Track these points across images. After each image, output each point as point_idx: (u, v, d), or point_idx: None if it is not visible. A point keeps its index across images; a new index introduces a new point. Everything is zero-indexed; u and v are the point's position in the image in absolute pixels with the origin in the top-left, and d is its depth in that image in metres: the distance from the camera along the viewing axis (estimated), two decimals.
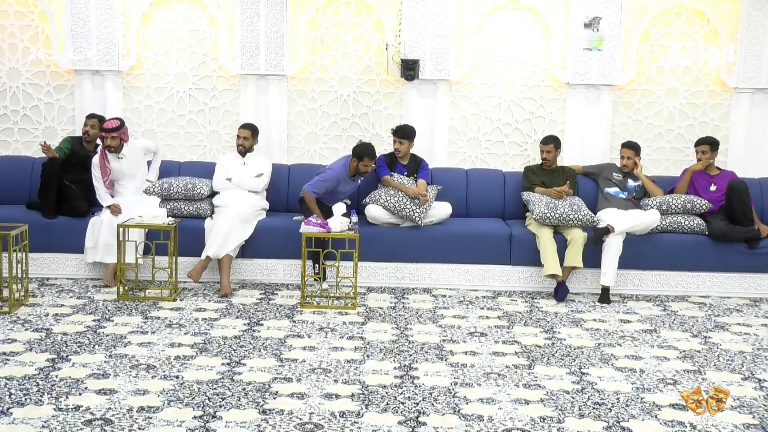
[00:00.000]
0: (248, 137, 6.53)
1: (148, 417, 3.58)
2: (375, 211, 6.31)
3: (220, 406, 3.73)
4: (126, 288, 5.77)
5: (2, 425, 3.45)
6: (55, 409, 3.62)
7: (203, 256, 5.93)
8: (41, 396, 3.79)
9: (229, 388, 3.97)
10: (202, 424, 3.53)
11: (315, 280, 5.96)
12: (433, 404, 3.84)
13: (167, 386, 3.97)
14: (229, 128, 7.28)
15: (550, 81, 7.31)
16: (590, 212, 6.24)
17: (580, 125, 7.28)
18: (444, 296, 6.08)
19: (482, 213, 6.83)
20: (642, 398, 4.02)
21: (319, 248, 5.78)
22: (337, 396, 3.91)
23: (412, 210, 6.25)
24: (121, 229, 5.71)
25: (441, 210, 6.47)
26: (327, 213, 6.01)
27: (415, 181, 6.46)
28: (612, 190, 6.56)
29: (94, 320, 5.14)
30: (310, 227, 5.67)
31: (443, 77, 7.16)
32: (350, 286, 5.90)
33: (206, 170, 6.69)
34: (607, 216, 6.28)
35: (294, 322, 5.26)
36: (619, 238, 6.08)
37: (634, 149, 6.58)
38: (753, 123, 7.31)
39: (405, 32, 7.09)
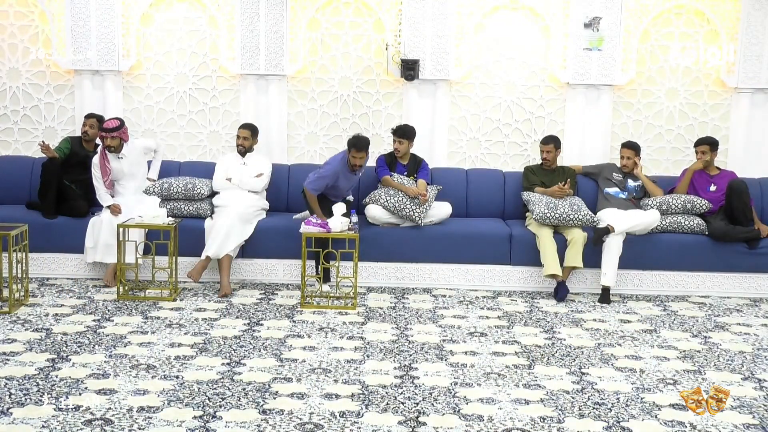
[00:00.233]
0: (248, 137, 6.53)
1: (148, 417, 3.58)
2: (375, 211, 6.31)
3: (220, 406, 3.73)
4: (126, 288, 5.77)
5: (2, 425, 3.45)
6: (55, 409, 3.62)
7: (203, 256, 5.93)
8: (41, 396, 3.79)
9: (229, 388, 3.97)
10: (202, 424, 3.53)
11: (316, 281, 5.95)
12: (433, 404, 3.84)
13: (167, 386, 3.97)
14: (229, 128, 7.28)
15: (550, 81, 7.31)
16: (590, 212, 6.24)
17: (580, 125, 7.28)
18: (444, 296, 6.08)
19: (482, 213, 6.84)
20: (642, 398, 4.02)
21: (319, 248, 5.78)
22: (337, 396, 3.91)
23: (412, 210, 6.25)
24: (121, 229, 5.71)
25: (441, 210, 6.47)
26: (329, 211, 5.94)
27: (415, 181, 6.46)
28: (612, 190, 6.56)
29: (94, 320, 5.14)
30: (310, 227, 5.67)
31: (443, 77, 7.16)
32: (350, 286, 5.90)
33: (206, 170, 6.69)
34: (607, 216, 6.28)
35: (294, 322, 5.26)
36: (619, 238, 6.08)
37: (634, 149, 6.58)
38: (753, 123, 7.31)
39: (405, 32, 7.09)
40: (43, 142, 6.27)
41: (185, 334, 4.90)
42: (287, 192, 6.80)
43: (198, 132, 7.33)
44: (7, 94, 7.22)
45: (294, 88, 7.30)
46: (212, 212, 6.36)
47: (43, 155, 6.25)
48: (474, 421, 3.66)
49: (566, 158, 7.21)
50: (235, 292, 5.99)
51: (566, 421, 3.69)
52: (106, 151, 6.15)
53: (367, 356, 4.56)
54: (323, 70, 7.29)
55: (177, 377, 4.11)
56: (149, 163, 6.54)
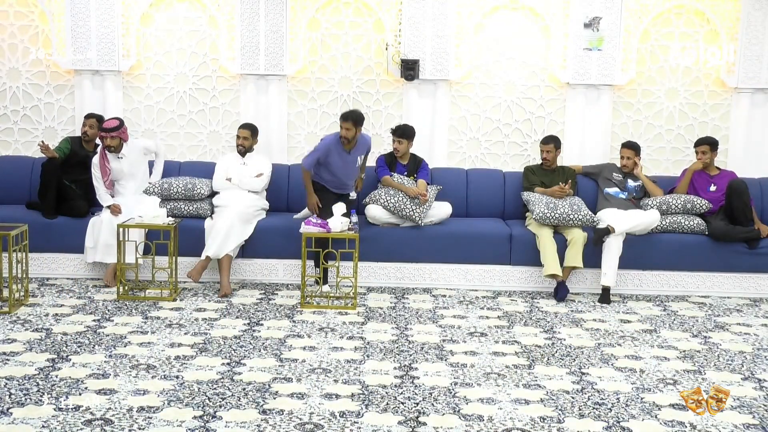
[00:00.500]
0: (248, 137, 6.53)
1: (148, 417, 3.58)
2: (375, 211, 6.31)
3: (220, 406, 3.73)
4: (126, 288, 5.77)
5: (2, 425, 3.45)
6: (55, 409, 3.62)
7: (203, 256, 5.93)
8: (41, 396, 3.79)
9: (229, 388, 3.97)
10: (202, 424, 3.53)
11: (316, 281, 5.95)
12: (433, 404, 3.84)
13: (167, 386, 3.97)
14: (229, 128, 7.28)
15: (550, 81, 7.31)
16: (590, 212, 6.25)
17: (580, 125, 7.28)
18: (444, 296, 6.08)
19: (482, 213, 6.84)
20: (642, 398, 4.02)
21: (319, 248, 5.78)
22: (337, 396, 3.91)
23: (412, 210, 6.25)
24: (121, 229, 5.71)
25: (441, 210, 6.47)
26: (330, 211, 5.93)
27: (415, 181, 6.46)
28: (612, 190, 6.56)
29: (94, 320, 5.14)
30: (310, 227, 5.67)
31: (443, 77, 7.16)
32: (350, 286, 5.90)
33: (206, 170, 6.69)
34: (607, 216, 6.28)
35: (294, 322, 5.26)
36: (619, 239, 6.08)
37: (634, 149, 6.58)
38: (753, 123, 7.31)
39: (405, 32, 7.09)
40: (42, 142, 6.27)
41: (185, 334, 4.90)
42: (287, 192, 6.80)
43: (198, 132, 7.33)
44: (7, 94, 7.22)
45: (294, 88, 7.30)
46: (212, 212, 6.36)
47: (43, 155, 6.25)
48: (474, 421, 3.66)
49: (566, 158, 7.21)
50: (235, 292, 5.99)
51: (566, 421, 3.69)
52: (106, 151, 6.15)
53: (367, 356, 4.56)
54: (323, 70, 7.29)
55: (177, 377, 4.11)
56: (150, 164, 6.54)
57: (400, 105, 7.31)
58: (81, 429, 3.43)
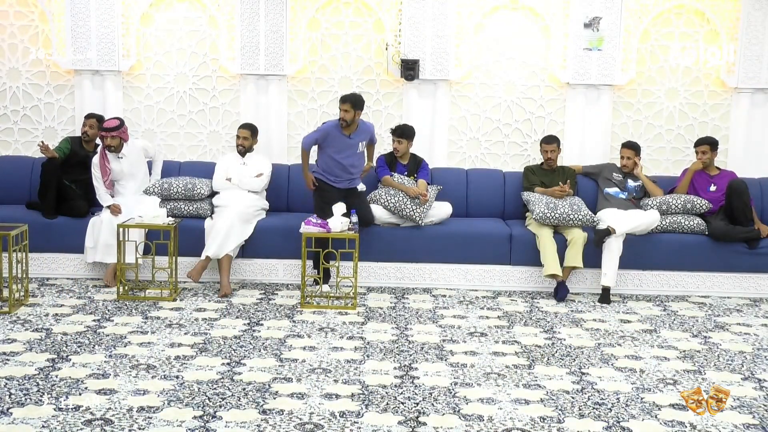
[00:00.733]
0: (248, 137, 6.53)
1: (148, 417, 3.58)
2: (375, 211, 6.30)
3: (220, 406, 3.73)
4: (126, 288, 5.77)
5: (2, 425, 3.45)
6: (55, 409, 3.62)
7: (203, 256, 5.93)
8: (41, 396, 3.79)
9: (229, 388, 3.97)
10: (202, 424, 3.53)
11: (315, 281, 5.95)
12: (433, 404, 3.84)
13: (167, 386, 3.97)
14: (229, 128, 7.28)
15: (550, 81, 7.31)
16: (590, 212, 6.25)
17: (580, 125, 7.28)
18: (444, 296, 6.08)
19: (482, 213, 6.84)
20: (642, 398, 4.02)
21: (319, 248, 5.78)
22: (337, 396, 3.91)
23: (413, 210, 6.25)
24: (121, 229, 5.71)
25: (441, 210, 6.47)
26: (330, 211, 5.92)
27: (416, 181, 6.46)
28: (612, 190, 6.56)
29: (94, 320, 5.14)
30: (310, 227, 5.67)
31: (443, 77, 7.16)
32: (350, 286, 5.90)
33: (206, 170, 6.69)
34: (607, 216, 6.28)
35: (294, 322, 5.26)
36: (619, 239, 6.08)
37: (634, 149, 6.58)
38: (753, 123, 7.31)
39: (405, 32, 7.09)
40: (42, 142, 6.27)
41: (185, 334, 4.90)
42: (287, 192, 6.80)
43: (198, 132, 7.33)
44: (7, 94, 7.22)
45: (294, 88, 7.30)
46: (212, 212, 6.36)
47: (43, 155, 6.25)
48: (474, 421, 3.66)
49: (566, 158, 7.21)
50: (235, 292, 5.99)
51: (566, 421, 3.69)
52: (106, 151, 6.16)
53: (367, 356, 4.56)
54: (323, 70, 7.29)
55: (177, 377, 4.11)
56: (150, 164, 6.54)
57: (400, 105, 7.31)
58: (81, 429, 3.43)
